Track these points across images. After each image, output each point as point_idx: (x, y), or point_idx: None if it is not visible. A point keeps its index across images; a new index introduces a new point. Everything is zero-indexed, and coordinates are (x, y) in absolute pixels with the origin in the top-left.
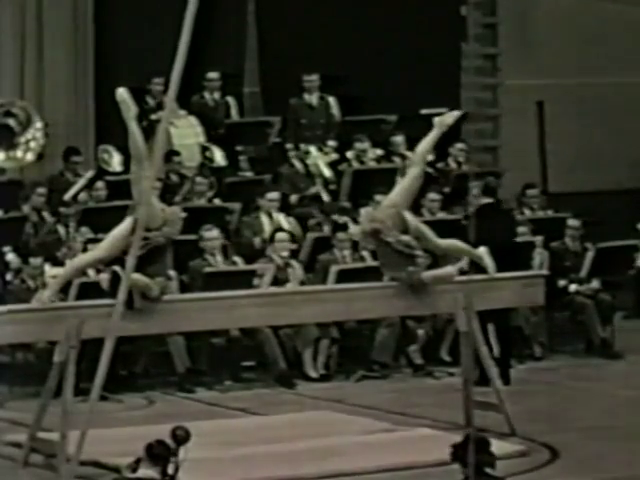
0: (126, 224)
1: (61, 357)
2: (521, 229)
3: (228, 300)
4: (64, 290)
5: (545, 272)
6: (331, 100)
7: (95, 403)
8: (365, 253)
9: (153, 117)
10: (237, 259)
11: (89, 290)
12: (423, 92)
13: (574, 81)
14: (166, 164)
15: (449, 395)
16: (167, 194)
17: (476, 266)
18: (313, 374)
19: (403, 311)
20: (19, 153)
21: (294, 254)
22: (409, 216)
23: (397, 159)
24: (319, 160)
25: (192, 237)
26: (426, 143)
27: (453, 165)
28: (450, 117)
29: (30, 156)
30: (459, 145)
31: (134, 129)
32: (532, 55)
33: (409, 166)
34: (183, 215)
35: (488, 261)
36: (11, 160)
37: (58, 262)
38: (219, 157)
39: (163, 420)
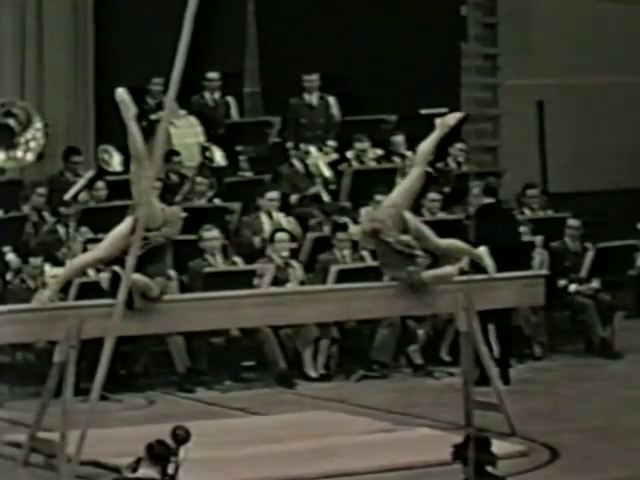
0: (126, 224)
1: (61, 357)
2: (521, 229)
3: (228, 300)
4: (64, 290)
5: (545, 272)
6: (331, 100)
7: (95, 403)
8: (365, 253)
9: (153, 117)
10: (237, 259)
11: (89, 290)
12: (423, 92)
13: (574, 81)
14: (166, 164)
15: (449, 395)
16: (167, 194)
17: (476, 266)
18: (313, 374)
19: (403, 311)
20: (19, 153)
21: (294, 254)
22: (409, 216)
23: (397, 159)
24: (319, 160)
25: (192, 237)
26: (428, 144)
27: (453, 165)
28: (452, 118)
29: (30, 156)
30: (459, 145)
31: (134, 129)
32: (532, 55)
33: (410, 166)
34: (183, 215)
35: (488, 261)
36: (11, 160)
37: (58, 262)
38: (219, 157)
39: (163, 420)
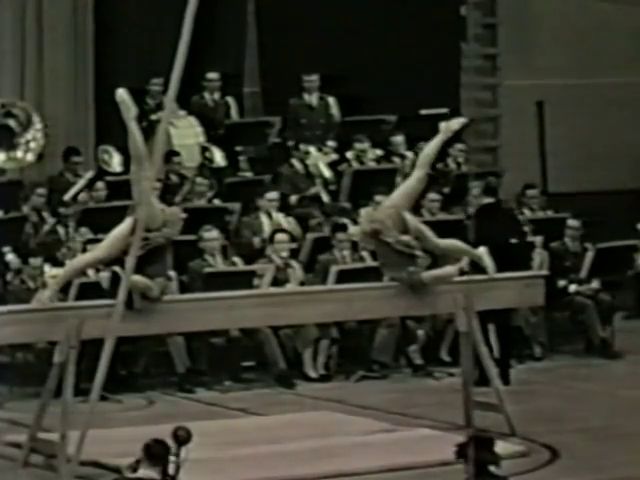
0: (126, 224)
1: (61, 357)
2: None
3: (228, 300)
4: (64, 290)
5: (545, 272)
6: (331, 100)
7: (95, 403)
8: (365, 253)
9: (153, 117)
10: (237, 259)
11: (89, 290)
12: (423, 92)
13: (574, 81)
14: (166, 164)
15: (449, 395)
16: (167, 194)
17: (476, 266)
18: (313, 374)
19: (403, 311)
20: (19, 153)
21: (294, 254)
22: (409, 216)
23: (397, 159)
24: (319, 160)
25: (192, 237)
26: (431, 147)
27: (453, 165)
28: (456, 123)
29: (30, 156)
30: (459, 145)
31: (134, 129)
32: (532, 55)
33: (410, 167)
34: (183, 215)
35: (488, 261)
36: (11, 160)
37: (58, 262)
38: (219, 157)
39: (163, 420)
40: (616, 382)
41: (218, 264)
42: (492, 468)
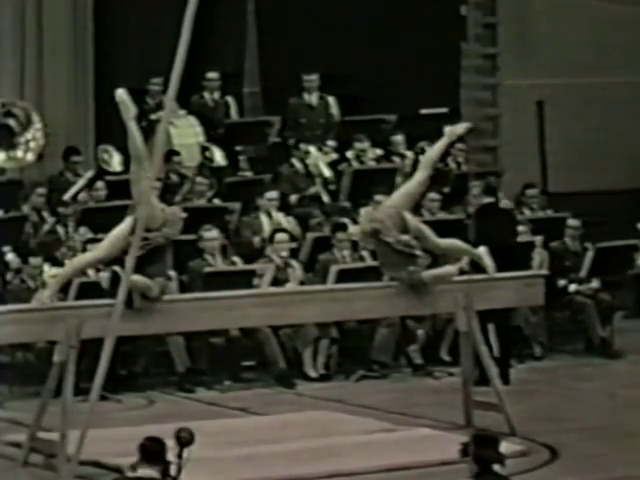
0: (126, 224)
1: (61, 357)
2: (521, 229)
3: (228, 300)
4: (64, 290)
5: (545, 272)
6: (331, 100)
7: (95, 403)
8: (365, 253)
9: (153, 117)
10: (236, 259)
11: (89, 290)
12: (423, 92)
13: (574, 81)
14: (166, 164)
15: (449, 395)
16: (167, 194)
17: (476, 266)
18: (313, 374)
19: (403, 311)
20: (19, 153)
21: (294, 254)
22: (409, 216)
23: (397, 159)
24: (319, 160)
25: (192, 237)
26: (434, 151)
27: (453, 165)
28: (461, 128)
29: (30, 156)
30: (459, 145)
31: (133, 129)
32: (532, 55)
33: (410, 167)
34: (183, 215)
35: (488, 261)
36: (11, 160)
37: (58, 262)
38: (219, 157)
39: (163, 420)
40: (616, 382)
41: (218, 264)
42: (496, 467)
